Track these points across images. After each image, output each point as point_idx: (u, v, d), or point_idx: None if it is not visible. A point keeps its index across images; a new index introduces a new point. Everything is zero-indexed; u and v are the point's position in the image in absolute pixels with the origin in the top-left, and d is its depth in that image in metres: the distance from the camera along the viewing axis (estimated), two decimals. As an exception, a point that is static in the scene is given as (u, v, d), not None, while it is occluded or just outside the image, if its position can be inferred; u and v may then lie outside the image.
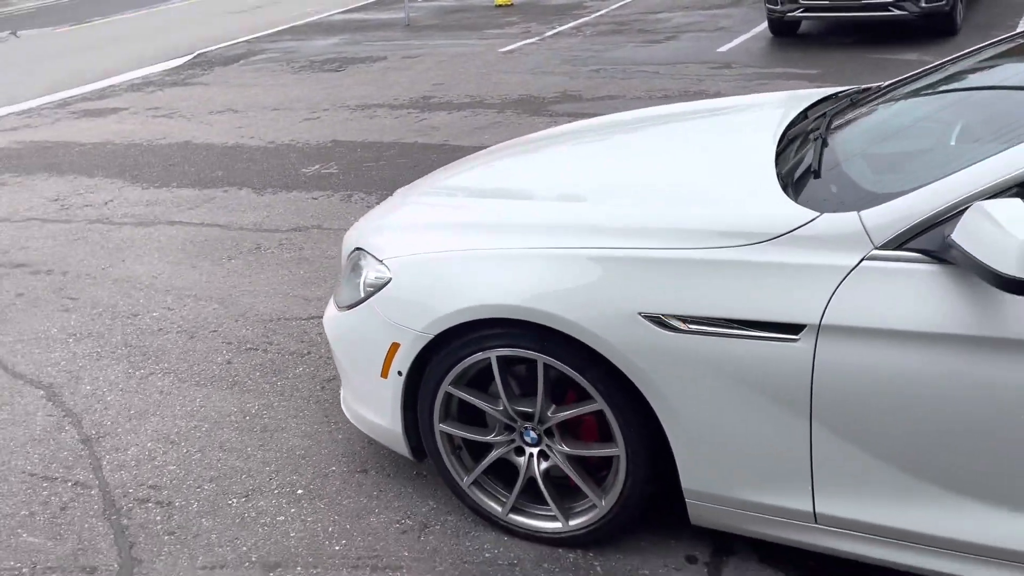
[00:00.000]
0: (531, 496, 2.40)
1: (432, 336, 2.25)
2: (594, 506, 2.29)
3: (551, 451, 2.31)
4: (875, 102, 2.62)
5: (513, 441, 2.35)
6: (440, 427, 2.39)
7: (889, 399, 1.85)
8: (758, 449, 2.02)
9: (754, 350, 1.93)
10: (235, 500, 2.67)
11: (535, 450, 2.33)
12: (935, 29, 8.31)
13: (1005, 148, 1.79)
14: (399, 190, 3.06)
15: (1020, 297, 1.70)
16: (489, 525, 2.47)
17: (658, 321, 2.00)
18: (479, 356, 2.23)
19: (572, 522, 2.33)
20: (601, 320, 2.04)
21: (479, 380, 2.33)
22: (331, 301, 2.69)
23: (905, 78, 2.76)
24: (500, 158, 2.99)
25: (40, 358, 3.68)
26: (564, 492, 2.37)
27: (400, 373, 2.35)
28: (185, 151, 6.95)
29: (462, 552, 2.39)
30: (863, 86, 2.96)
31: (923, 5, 7.94)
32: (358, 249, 2.63)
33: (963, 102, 2.41)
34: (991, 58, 2.55)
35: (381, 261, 2.45)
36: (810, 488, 2.02)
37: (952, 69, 2.63)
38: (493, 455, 2.38)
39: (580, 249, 2.13)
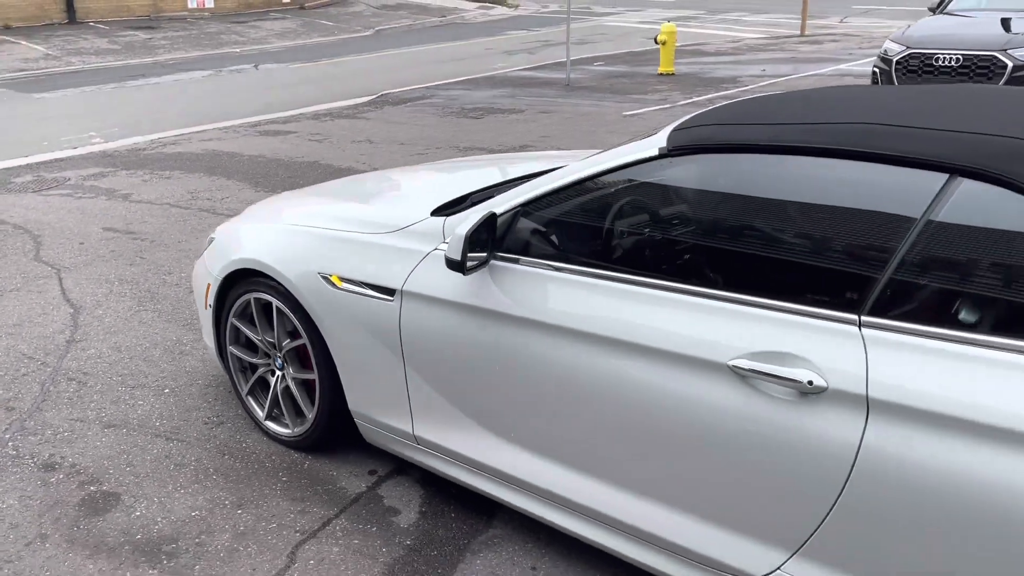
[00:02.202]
0: (282, 409, 3.27)
1: (221, 279, 3.21)
2: (308, 418, 3.12)
3: (286, 374, 3.17)
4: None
5: (269, 365, 3.24)
6: (230, 349, 3.32)
7: (436, 349, 2.57)
8: (380, 381, 2.78)
9: (372, 305, 2.72)
10: (124, 388, 3.75)
11: (280, 373, 3.21)
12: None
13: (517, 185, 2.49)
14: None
15: (481, 276, 2.40)
16: (259, 430, 3.36)
17: (327, 279, 2.83)
18: (245, 297, 3.16)
19: (296, 430, 3.18)
20: (299, 276, 2.90)
21: (254, 317, 3.25)
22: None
23: None
24: (374, 176, 3.90)
25: (89, 290, 5.01)
26: (300, 409, 3.22)
27: (209, 306, 3.32)
28: (309, 168, 8.39)
29: (229, 442, 3.30)
30: None
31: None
32: (231, 223, 3.64)
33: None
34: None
35: (216, 228, 3.46)
36: (409, 415, 2.75)
37: None
38: (257, 374, 3.28)
39: (303, 227, 3.01)
